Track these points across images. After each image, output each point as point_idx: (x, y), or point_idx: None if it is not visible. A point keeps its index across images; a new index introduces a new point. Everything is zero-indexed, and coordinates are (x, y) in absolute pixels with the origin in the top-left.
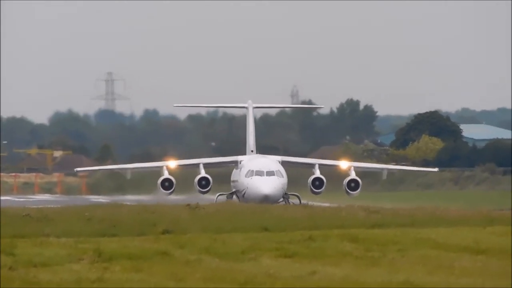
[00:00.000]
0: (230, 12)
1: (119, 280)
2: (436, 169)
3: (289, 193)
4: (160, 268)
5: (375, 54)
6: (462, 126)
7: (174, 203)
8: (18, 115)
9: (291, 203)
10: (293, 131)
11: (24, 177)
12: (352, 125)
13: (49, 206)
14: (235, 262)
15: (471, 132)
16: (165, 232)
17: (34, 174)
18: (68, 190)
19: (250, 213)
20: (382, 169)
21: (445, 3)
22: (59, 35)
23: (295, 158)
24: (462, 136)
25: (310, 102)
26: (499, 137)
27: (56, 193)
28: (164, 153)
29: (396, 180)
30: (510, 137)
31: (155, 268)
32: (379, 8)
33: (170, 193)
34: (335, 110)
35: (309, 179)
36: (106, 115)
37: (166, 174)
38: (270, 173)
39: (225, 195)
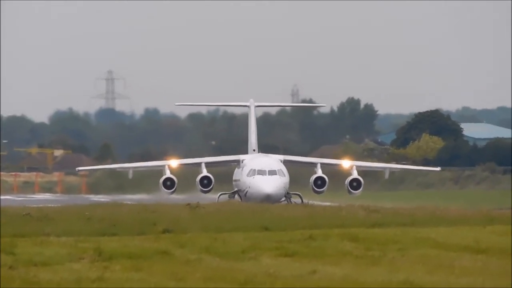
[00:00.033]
0: (230, 12)
1: (119, 280)
2: (438, 168)
3: (291, 193)
4: (160, 268)
5: (375, 53)
6: (462, 125)
7: (174, 202)
8: (18, 114)
9: (293, 203)
10: (293, 130)
11: (24, 176)
12: (352, 124)
13: (49, 205)
14: (235, 261)
15: (472, 131)
16: (165, 231)
17: (34, 173)
18: (68, 189)
19: (250, 212)
20: (385, 168)
21: (445, 3)
22: (59, 35)
23: (297, 157)
24: (462, 135)
25: (310, 101)
26: (500, 136)
27: (56, 192)
28: (164, 152)
29: (396, 180)
30: (510, 136)
31: (155, 267)
32: (379, 8)
33: (172, 193)
34: (335, 109)
35: (311, 178)
36: (106, 114)
37: (168, 174)
38: (272, 172)
39: (227, 195)
